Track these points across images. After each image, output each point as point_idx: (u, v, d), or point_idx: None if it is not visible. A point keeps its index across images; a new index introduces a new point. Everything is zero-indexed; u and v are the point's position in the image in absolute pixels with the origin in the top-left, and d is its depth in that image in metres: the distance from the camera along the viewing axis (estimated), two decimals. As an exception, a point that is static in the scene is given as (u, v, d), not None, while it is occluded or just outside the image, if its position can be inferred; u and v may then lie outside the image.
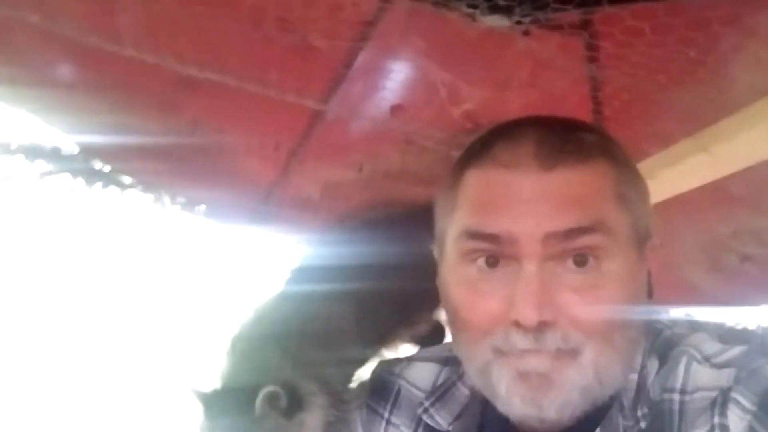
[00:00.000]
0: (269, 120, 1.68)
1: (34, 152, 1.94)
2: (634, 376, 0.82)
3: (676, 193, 1.35)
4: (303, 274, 1.21)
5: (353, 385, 1.08)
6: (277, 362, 1.03)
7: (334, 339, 1.14)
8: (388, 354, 1.15)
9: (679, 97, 1.14)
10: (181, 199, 2.02)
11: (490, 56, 1.15)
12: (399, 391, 1.02)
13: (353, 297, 1.15)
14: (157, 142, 1.86)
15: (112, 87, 1.70)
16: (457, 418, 0.93)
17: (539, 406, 0.77)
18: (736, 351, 0.80)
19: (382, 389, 1.03)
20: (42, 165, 1.95)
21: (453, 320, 0.85)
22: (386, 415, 1.01)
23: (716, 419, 0.75)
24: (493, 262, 0.79)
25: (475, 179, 0.83)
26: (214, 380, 1.00)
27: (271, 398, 0.95)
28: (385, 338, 1.18)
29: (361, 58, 1.28)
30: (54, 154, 1.94)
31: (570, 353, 0.76)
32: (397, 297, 1.17)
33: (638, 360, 0.83)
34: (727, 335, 0.85)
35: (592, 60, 1.09)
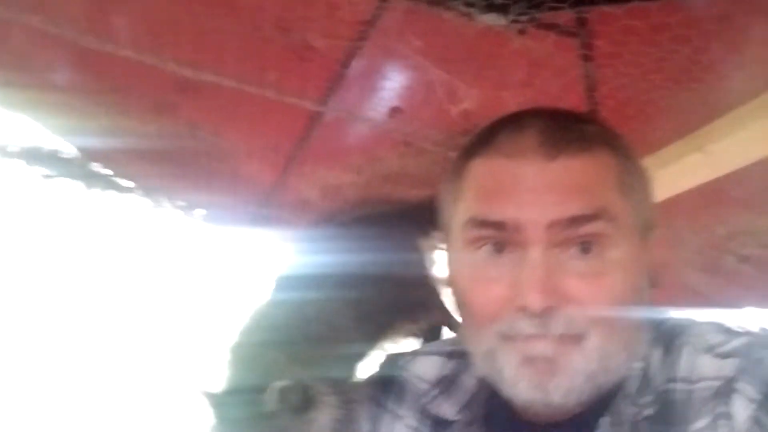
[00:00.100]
0: (267, 122, 1.69)
1: (33, 156, 1.95)
2: (638, 365, 0.83)
3: (673, 194, 1.36)
4: (297, 273, 1.22)
5: (358, 379, 1.09)
6: (284, 364, 1.03)
7: (335, 338, 1.14)
8: (391, 348, 1.15)
9: (674, 97, 1.15)
10: (180, 203, 2.02)
11: (486, 55, 1.16)
12: (405, 384, 1.02)
13: (350, 294, 1.15)
14: (155, 146, 1.86)
15: (109, 90, 1.71)
16: (464, 407, 0.94)
17: (545, 391, 0.78)
18: (739, 341, 0.81)
19: (388, 383, 1.04)
20: (41, 169, 1.95)
21: (460, 307, 0.86)
22: (392, 407, 1.02)
23: (721, 408, 0.76)
24: (498, 249, 0.80)
25: (479, 169, 0.84)
26: (217, 384, 1.00)
27: (283, 394, 0.96)
28: (385, 333, 1.19)
29: (359, 58, 1.29)
30: (53, 158, 1.95)
31: (575, 338, 0.78)
32: (393, 292, 1.18)
33: (642, 348, 0.84)
34: (729, 327, 0.86)
35: (587, 59, 1.10)
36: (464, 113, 1.26)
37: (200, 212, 2.05)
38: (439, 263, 1.31)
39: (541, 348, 0.78)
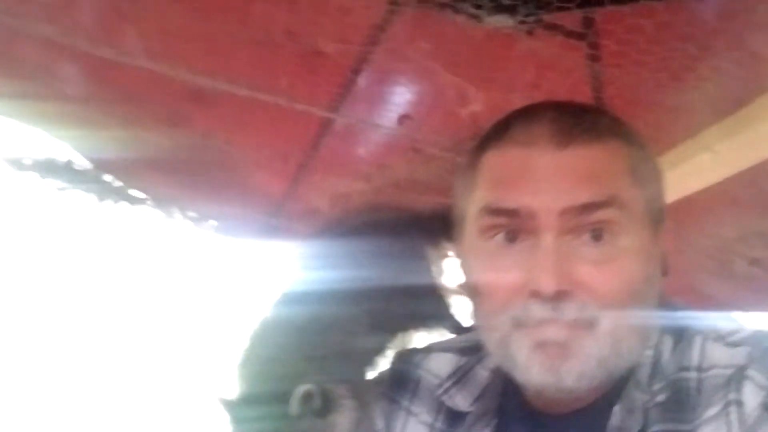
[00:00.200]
0: (278, 131, 1.71)
1: (46, 168, 1.97)
2: (650, 352, 0.84)
3: (681, 196, 1.36)
4: (309, 281, 1.23)
5: (372, 378, 1.09)
6: (303, 368, 1.04)
7: (350, 341, 1.15)
8: (404, 345, 1.16)
9: (681, 96, 1.16)
10: (191, 214, 2.04)
11: (494, 58, 1.17)
12: (419, 380, 1.03)
13: (362, 302, 1.16)
14: (167, 156, 1.88)
15: (122, 100, 1.73)
16: (477, 399, 0.94)
17: (557, 375, 0.79)
18: (749, 331, 0.83)
19: (402, 380, 1.05)
20: (54, 181, 1.98)
21: (473, 295, 0.87)
22: (406, 404, 1.02)
23: (732, 395, 0.77)
24: (511, 237, 0.82)
25: (493, 159, 0.86)
26: (234, 390, 1.01)
27: (306, 397, 0.97)
28: (397, 339, 1.19)
29: (369, 64, 1.30)
30: (66, 170, 1.97)
31: (587, 323, 0.78)
32: (405, 300, 1.19)
33: (653, 336, 0.84)
34: (738, 320, 0.87)
35: (594, 59, 1.11)
36: (473, 116, 1.27)
37: (211, 223, 2.07)
38: (448, 272, 1.32)
39: (554, 333, 0.79)
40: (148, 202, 2.00)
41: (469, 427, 0.94)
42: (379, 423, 1.04)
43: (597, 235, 0.79)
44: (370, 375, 1.12)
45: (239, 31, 1.36)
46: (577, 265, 0.79)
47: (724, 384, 0.78)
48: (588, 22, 1.08)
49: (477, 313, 0.88)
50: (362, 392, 1.07)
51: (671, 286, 0.91)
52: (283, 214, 2.00)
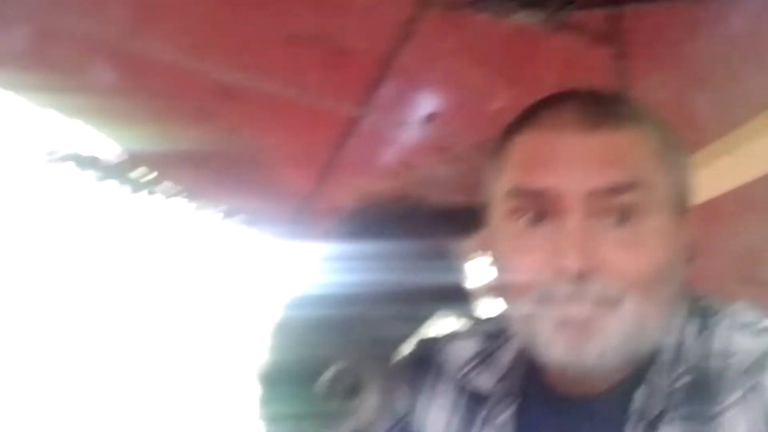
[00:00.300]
0: (305, 129, 1.73)
1: (81, 160, 2.01)
2: (673, 337, 0.84)
3: (707, 199, 1.35)
4: (332, 266, 1.24)
5: (397, 361, 1.11)
6: (333, 350, 1.06)
7: (379, 326, 1.17)
8: (428, 332, 1.17)
9: (708, 97, 1.16)
10: (222, 208, 2.07)
11: (521, 55, 1.18)
12: (441, 364, 1.04)
13: (388, 284, 1.18)
14: (196, 151, 1.92)
15: (153, 96, 1.77)
16: (499, 381, 0.96)
17: (579, 353, 0.80)
18: None
19: (424, 364, 1.06)
20: (89, 173, 2.02)
21: (498, 276, 0.88)
22: (428, 387, 1.04)
23: (754, 380, 0.77)
24: (538, 218, 0.83)
25: (521, 142, 0.88)
26: (265, 369, 1.02)
27: (337, 378, 0.98)
28: (423, 320, 1.21)
29: (397, 61, 1.32)
30: (100, 163, 2.01)
31: (611, 303, 0.79)
32: (430, 281, 1.20)
33: (677, 321, 0.85)
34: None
35: (621, 57, 1.12)
36: (499, 113, 1.28)
37: (240, 217, 2.10)
38: (471, 266, 1.33)
39: (577, 311, 0.80)
40: (180, 195, 2.03)
41: (490, 408, 0.95)
42: (401, 406, 1.05)
43: (623, 217, 0.80)
44: (394, 360, 1.14)
45: (269, 28, 1.38)
46: (602, 246, 0.80)
47: (747, 370, 0.79)
48: (615, 20, 1.08)
49: (502, 293, 0.89)
50: (387, 376, 1.08)
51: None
52: (308, 211, 2.02)
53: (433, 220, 1.38)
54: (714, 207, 1.38)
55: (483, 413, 0.96)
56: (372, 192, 1.83)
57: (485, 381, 0.97)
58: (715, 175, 1.27)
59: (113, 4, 1.46)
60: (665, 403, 0.81)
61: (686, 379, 0.81)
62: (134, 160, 2.01)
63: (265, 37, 1.41)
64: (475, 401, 0.98)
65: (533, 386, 0.93)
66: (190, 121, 1.80)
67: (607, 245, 0.80)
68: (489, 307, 1.26)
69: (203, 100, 1.72)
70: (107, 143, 1.98)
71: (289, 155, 1.87)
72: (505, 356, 0.97)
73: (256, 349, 1.05)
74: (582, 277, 0.79)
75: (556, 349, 0.82)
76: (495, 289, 0.91)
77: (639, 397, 0.83)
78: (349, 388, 1.00)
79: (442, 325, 1.26)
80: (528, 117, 0.89)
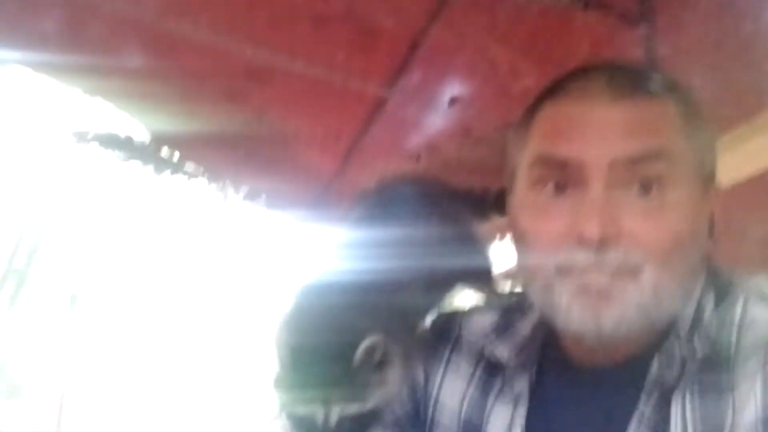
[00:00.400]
0: (332, 109, 1.74)
1: (107, 140, 2.04)
2: (692, 307, 0.85)
3: (733, 182, 1.36)
4: (357, 241, 1.26)
5: (418, 334, 1.12)
6: (362, 323, 1.07)
7: (405, 300, 1.18)
8: (450, 305, 1.19)
9: (737, 76, 1.16)
10: (244, 189, 2.09)
11: (549, 33, 1.19)
12: (460, 335, 1.05)
13: (412, 258, 1.19)
14: (223, 131, 1.94)
15: (182, 76, 1.79)
16: (517, 351, 0.96)
17: (597, 320, 0.81)
18: None
19: (443, 334, 1.07)
20: (114, 153, 2.04)
21: (519, 244, 0.89)
22: (446, 356, 1.05)
23: None
24: (561, 187, 0.84)
25: (547, 112, 0.88)
26: (295, 345, 1.03)
27: (370, 351, 1.00)
28: (446, 293, 1.22)
29: (426, 40, 1.33)
30: (125, 143, 2.04)
31: (630, 272, 0.80)
32: (452, 256, 1.22)
33: (696, 291, 0.86)
34: None
35: (649, 36, 1.12)
36: (525, 91, 1.29)
37: (263, 198, 2.12)
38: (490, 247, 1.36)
39: (596, 279, 0.81)
40: (203, 176, 2.05)
41: (507, 378, 0.96)
42: (420, 375, 1.07)
43: (645, 187, 0.81)
44: (417, 332, 1.15)
45: (297, 8, 1.40)
46: (624, 215, 0.80)
47: (764, 341, 0.79)
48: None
49: (522, 262, 0.90)
50: (410, 348, 1.10)
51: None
52: (332, 193, 2.04)
53: (454, 201, 1.39)
54: (739, 189, 1.38)
55: (500, 382, 0.97)
56: (395, 174, 1.86)
57: (503, 351, 0.97)
58: (741, 158, 1.27)
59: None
60: (681, 374, 0.82)
61: (703, 350, 0.82)
62: (159, 140, 2.03)
63: (293, 16, 1.43)
64: (492, 371, 0.99)
65: (550, 357, 0.94)
66: (218, 102, 1.82)
67: (628, 215, 0.80)
68: (508, 285, 1.27)
69: (232, 81, 1.74)
70: (132, 123, 2.00)
71: (314, 137, 1.89)
72: (524, 328, 0.98)
73: (282, 326, 1.06)
74: (602, 245, 0.79)
75: (575, 316, 0.82)
76: (516, 259, 0.92)
77: (655, 367, 0.84)
78: (380, 361, 1.02)
79: (462, 298, 1.28)
80: (555, 88, 0.90)
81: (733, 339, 0.81)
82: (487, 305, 1.12)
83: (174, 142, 2.02)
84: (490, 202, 1.48)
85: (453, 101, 1.57)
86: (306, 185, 2.06)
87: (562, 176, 0.84)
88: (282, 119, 1.84)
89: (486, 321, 1.04)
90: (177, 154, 2.02)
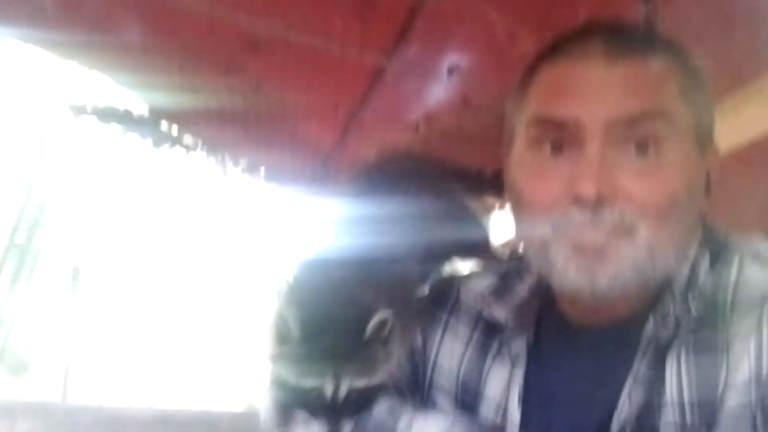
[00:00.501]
0: (330, 80, 1.74)
1: (105, 113, 2.03)
2: (687, 266, 0.85)
3: (732, 147, 1.35)
4: (355, 219, 1.27)
5: (418, 300, 1.13)
6: (367, 296, 1.08)
7: (405, 271, 1.19)
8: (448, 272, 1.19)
9: (736, 40, 1.16)
10: (242, 162, 2.09)
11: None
12: (458, 298, 1.06)
13: (410, 231, 1.20)
14: (222, 105, 1.93)
15: (179, 49, 1.78)
16: (516, 313, 0.97)
17: (592, 278, 0.81)
18: None
19: (441, 298, 1.08)
20: (112, 126, 2.04)
21: (516, 205, 0.90)
22: (444, 318, 1.06)
23: (765, 311, 0.78)
24: (558, 148, 0.84)
25: (545, 72, 0.88)
26: (297, 320, 1.03)
27: (380, 325, 1.01)
28: (444, 262, 1.23)
29: (424, 9, 1.32)
30: (124, 116, 2.03)
31: (625, 230, 0.81)
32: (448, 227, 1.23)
33: (691, 250, 0.86)
34: None
35: (648, 1, 1.12)
36: (523, 57, 1.28)
37: (261, 171, 2.12)
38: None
39: (592, 237, 0.81)
40: (202, 149, 2.05)
41: (506, 339, 0.97)
42: (418, 339, 1.08)
43: (642, 147, 0.81)
44: (416, 299, 1.16)
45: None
46: (620, 174, 0.81)
47: (758, 300, 0.80)
48: (643, -38, 1.08)
49: (519, 222, 0.91)
50: (411, 320, 1.11)
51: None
52: (331, 164, 2.04)
53: (445, 176, 1.39)
54: (737, 155, 1.38)
55: (498, 344, 0.98)
56: (390, 149, 1.85)
57: (501, 313, 0.98)
58: (739, 123, 1.27)
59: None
60: (676, 332, 0.83)
61: (698, 308, 0.83)
62: (157, 114, 2.03)
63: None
64: (490, 333, 1.00)
65: (548, 318, 0.95)
66: (216, 75, 1.82)
67: (624, 174, 0.81)
68: (506, 254, 1.28)
69: (229, 52, 1.73)
70: (130, 97, 2.00)
71: (312, 108, 1.88)
72: (521, 290, 0.99)
73: (288, 301, 1.07)
74: (598, 204, 0.80)
75: (571, 275, 0.83)
76: (513, 219, 0.92)
77: (650, 326, 0.85)
78: (387, 336, 1.03)
79: (461, 265, 1.29)
80: (552, 48, 0.90)
81: (728, 298, 0.82)
82: (485, 270, 1.12)
83: (172, 115, 2.02)
84: (485, 183, 1.49)
85: (452, 70, 1.56)
86: (305, 157, 2.06)
87: (559, 136, 0.84)
88: (280, 91, 1.84)
89: (484, 284, 1.04)
90: (175, 128, 2.02)
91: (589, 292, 0.83)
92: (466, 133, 1.71)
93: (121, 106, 2.03)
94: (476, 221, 1.39)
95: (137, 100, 1.97)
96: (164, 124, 2.02)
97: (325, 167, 2.05)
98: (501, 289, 1.01)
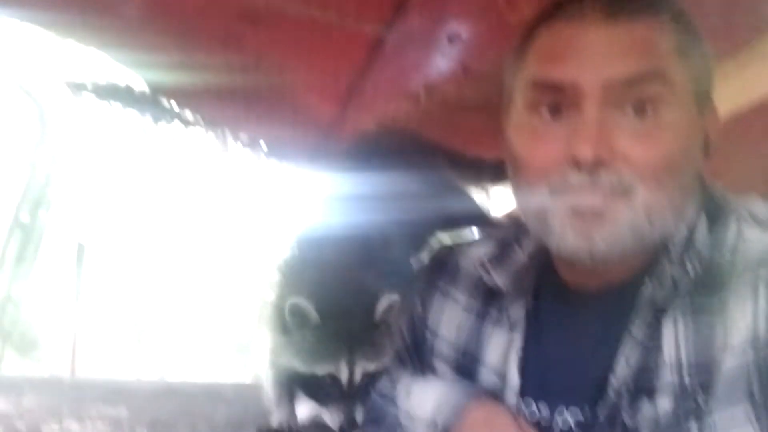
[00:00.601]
0: (329, 52, 1.72)
1: (102, 90, 2.02)
2: (684, 229, 0.86)
3: (734, 111, 1.34)
4: (350, 197, 1.27)
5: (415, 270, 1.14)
6: (379, 280, 1.09)
7: (403, 250, 1.20)
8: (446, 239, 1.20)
9: (735, 1, 1.14)
10: (243, 137, 2.08)
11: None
12: (457, 265, 1.07)
13: (405, 207, 1.20)
14: (220, 79, 1.92)
15: (177, 22, 1.76)
16: (515, 279, 0.98)
17: (590, 240, 0.82)
18: None
19: (440, 266, 1.09)
20: (111, 103, 2.03)
21: (514, 168, 0.90)
22: (443, 285, 1.07)
23: (762, 272, 0.79)
24: (556, 111, 0.84)
25: (543, 34, 0.89)
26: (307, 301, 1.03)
27: (389, 308, 1.02)
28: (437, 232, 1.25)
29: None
30: (122, 92, 2.02)
31: (623, 192, 0.81)
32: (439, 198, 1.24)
33: (689, 212, 0.87)
34: None
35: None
36: (522, 23, 1.27)
37: (262, 146, 2.11)
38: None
39: (589, 200, 0.82)
40: (201, 124, 2.04)
41: (506, 305, 0.98)
42: (418, 308, 1.09)
43: (640, 108, 0.82)
44: (415, 275, 1.17)
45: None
46: (618, 136, 0.81)
47: (756, 262, 0.81)
48: None
49: (517, 187, 0.91)
50: (410, 294, 1.12)
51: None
52: (333, 138, 2.03)
53: (432, 153, 1.39)
54: (741, 118, 1.37)
55: (497, 309, 1.00)
56: (381, 127, 1.84)
57: (500, 278, 0.99)
58: (744, 83, 1.26)
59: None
60: (673, 295, 0.83)
61: (696, 270, 0.83)
62: (156, 89, 2.01)
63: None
64: (489, 299, 1.01)
65: (546, 283, 0.96)
66: (214, 49, 1.80)
67: (622, 136, 0.81)
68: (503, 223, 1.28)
69: (228, 26, 1.72)
70: (129, 73, 1.98)
71: (312, 81, 1.87)
72: (520, 256, 1.00)
73: (297, 288, 1.06)
74: (596, 166, 0.80)
75: (568, 237, 0.84)
76: (511, 184, 0.93)
77: (648, 286, 0.85)
78: (396, 314, 1.04)
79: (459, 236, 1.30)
80: (550, 10, 0.90)
81: (727, 261, 0.83)
82: (484, 238, 1.13)
83: (171, 92, 2.00)
84: (485, 171, 1.49)
85: (452, 39, 1.55)
86: (306, 131, 2.05)
87: (557, 100, 0.84)
88: (279, 63, 1.82)
89: (483, 252, 1.05)
90: (175, 104, 2.01)
91: (587, 255, 0.84)
92: (467, 102, 1.70)
93: (120, 83, 2.01)
94: (466, 194, 1.40)
95: (136, 78, 1.96)
96: (164, 101, 2.00)
97: (326, 140, 2.04)
98: (500, 256, 1.02)
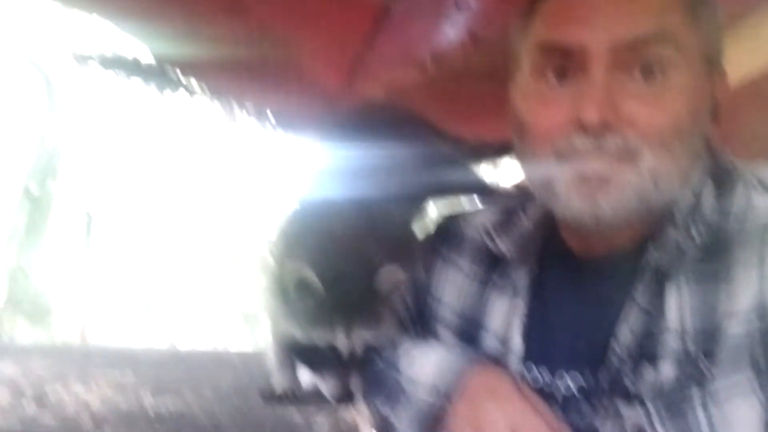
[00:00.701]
0: (335, 21, 1.71)
1: (108, 60, 2.02)
2: (691, 194, 0.85)
3: (745, 79, 1.33)
4: (350, 168, 1.27)
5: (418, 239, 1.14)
6: (379, 250, 1.09)
7: (405, 219, 1.20)
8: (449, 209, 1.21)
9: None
10: (248, 107, 2.08)
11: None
12: (462, 233, 1.08)
13: (404, 176, 1.21)
14: (226, 49, 1.91)
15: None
16: (519, 245, 0.98)
17: (595, 205, 0.82)
18: None
19: (445, 233, 1.10)
20: (116, 72, 2.03)
21: (519, 132, 0.90)
22: (445, 252, 1.08)
23: None
24: (562, 75, 0.84)
25: None
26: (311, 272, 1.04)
27: (388, 279, 1.02)
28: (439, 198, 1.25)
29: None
30: (128, 62, 2.01)
31: (629, 157, 0.81)
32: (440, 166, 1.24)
33: (695, 177, 0.86)
34: None
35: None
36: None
37: (268, 116, 2.11)
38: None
39: (596, 165, 0.82)
40: (206, 94, 2.04)
41: (510, 271, 0.98)
42: (422, 275, 1.09)
43: (647, 71, 0.81)
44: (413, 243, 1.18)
45: None
46: (624, 100, 0.80)
47: (763, 230, 0.80)
48: None
49: (522, 151, 0.91)
50: (410, 263, 1.12)
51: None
52: (339, 108, 2.02)
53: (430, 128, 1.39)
54: (749, 89, 1.35)
55: (500, 275, 1.00)
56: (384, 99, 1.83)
57: (504, 244, 0.99)
58: (755, 48, 1.24)
59: None
60: (678, 261, 0.83)
61: (702, 236, 0.83)
62: (161, 59, 2.00)
63: None
64: (492, 265, 1.01)
65: (551, 249, 0.96)
66: (221, 18, 1.79)
67: (628, 100, 0.80)
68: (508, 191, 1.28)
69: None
70: (134, 43, 1.97)
71: (318, 50, 1.85)
72: (525, 223, 1.00)
73: (300, 258, 1.07)
74: (602, 130, 0.80)
75: (573, 202, 0.83)
76: (517, 148, 0.92)
77: (652, 251, 0.85)
78: (398, 284, 1.05)
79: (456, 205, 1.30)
80: None
81: (733, 227, 0.82)
82: (488, 206, 1.13)
83: (177, 62, 1.99)
84: (489, 155, 1.48)
85: (459, 5, 1.53)
86: (312, 101, 2.04)
87: (564, 63, 0.83)
88: (285, 33, 1.81)
89: (488, 219, 1.05)
90: (180, 73, 2.00)
91: (592, 220, 0.84)
92: (474, 70, 1.68)
93: (126, 53, 2.01)
94: (467, 164, 1.39)
95: (141, 47, 1.95)
96: (169, 70, 2.00)
97: (332, 110, 2.03)
98: (505, 223, 1.02)
